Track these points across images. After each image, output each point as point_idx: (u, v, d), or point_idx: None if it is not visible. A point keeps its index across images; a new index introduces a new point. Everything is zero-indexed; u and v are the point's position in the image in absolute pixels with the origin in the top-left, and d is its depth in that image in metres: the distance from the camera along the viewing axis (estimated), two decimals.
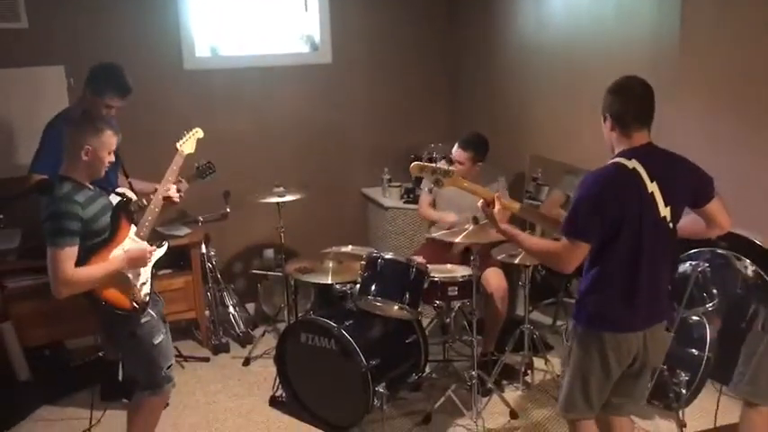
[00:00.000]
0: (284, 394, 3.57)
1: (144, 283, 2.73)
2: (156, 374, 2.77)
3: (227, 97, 4.66)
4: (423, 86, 5.20)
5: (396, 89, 5.11)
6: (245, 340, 4.40)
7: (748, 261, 2.96)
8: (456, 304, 3.69)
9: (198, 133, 3.18)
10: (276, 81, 4.77)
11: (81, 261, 2.51)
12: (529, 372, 3.82)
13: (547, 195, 4.21)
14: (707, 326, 3.22)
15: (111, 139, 2.61)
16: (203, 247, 4.36)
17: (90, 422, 3.43)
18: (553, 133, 4.31)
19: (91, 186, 2.63)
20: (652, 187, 2.26)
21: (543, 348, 3.87)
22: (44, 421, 3.58)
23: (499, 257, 3.57)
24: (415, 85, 5.17)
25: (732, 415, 3.06)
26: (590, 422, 2.51)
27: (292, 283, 3.98)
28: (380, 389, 3.16)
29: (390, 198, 4.83)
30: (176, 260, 4.17)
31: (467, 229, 3.29)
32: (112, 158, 2.65)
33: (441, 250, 3.83)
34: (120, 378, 3.42)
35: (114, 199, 2.72)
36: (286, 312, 4.20)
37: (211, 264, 4.46)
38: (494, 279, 3.72)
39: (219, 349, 4.30)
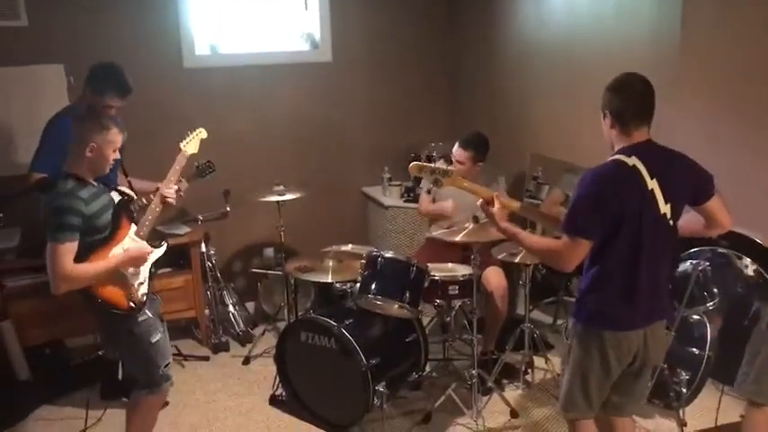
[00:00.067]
0: (284, 393, 3.57)
1: (141, 283, 2.73)
2: (154, 373, 2.77)
3: (227, 95, 4.66)
4: (423, 86, 5.20)
5: (396, 88, 5.10)
6: (244, 339, 4.40)
7: (749, 260, 2.97)
8: (456, 303, 3.69)
9: (201, 134, 3.18)
10: (276, 79, 4.77)
11: (80, 257, 2.51)
12: (529, 371, 3.82)
13: (547, 194, 4.21)
14: (707, 325, 3.23)
15: (116, 137, 2.62)
16: (203, 245, 4.36)
17: (85, 422, 3.42)
18: (553, 132, 4.31)
19: (94, 183, 2.63)
20: (652, 184, 2.26)
21: (543, 347, 3.87)
22: (44, 420, 3.58)
23: (499, 256, 3.57)
24: (415, 85, 5.17)
25: (733, 414, 3.07)
26: (589, 422, 2.51)
27: (292, 281, 3.98)
28: (380, 388, 3.15)
29: (390, 197, 4.83)
30: (176, 259, 4.17)
31: (467, 228, 3.29)
32: (117, 156, 2.66)
33: (441, 249, 3.83)
34: (120, 377, 3.42)
35: (116, 197, 2.72)
36: (286, 311, 4.20)
37: (211, 262, 4.46)
38: (494, 278, 3.72)
39: (219, 348, 4.30)
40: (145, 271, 2.76)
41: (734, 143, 3.25)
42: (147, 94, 3.81)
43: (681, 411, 3.12)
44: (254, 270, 4.82)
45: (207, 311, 4.44)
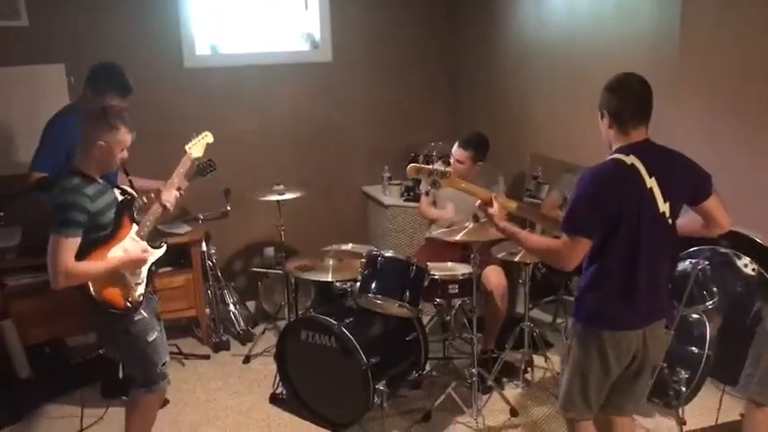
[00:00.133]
0: (284, 392, 3.58)
1: (139, 283, 2.73)
2: (152, 371, 2.78)
3: (227, 95, 4.66)
4: (423, 85, 5.21)
5: (396, 88, 5.11)
6: (245, 338, 4.41)
7: (748, 259, 2.97)
8: (456, 302, 3.70)
9: (207, 137, 3.17)
10: (276, 79, 4.77)
11: (81, 254, 2.52)
12: (529, 369, 3.83)
13: (546, 195, 4.21)
14: (707, 324, 3.24)
15: (125, 137, 2.64)
16: (204, 244, 4.36)
17: (81, 422, 3.42)
18: (553, 132, 4.32)
19: (100, 180, 2.65)
20: (651, 183, 2.26)
21: (543, 346, 3.87)
22: (44, 419, 3.58)
23: (499, 255, 3.58)
24: (415, 85, 5.17)
25: (732, 412, 3.07)
26: (588, 423, 2.52)
27: (292, 280, 3.98)
28: (380, 386, 3.16)
29: (390, 196, 4.84)
30: (177, 258, 4.17)
31: (467, 228, 3.29)
32: (125, 155, 2.68)
33: (441, 248, 3.84)
34: (121, 376, 3.42)
35: (119, 196, 2.73)
36: (286, 310, 4.21)
37: (212, 262, 4.47)
38: (493, 277, 3.73)
39: (220, 347, 4.31)
40: (144, 271, 2.77)
41: (734, 143, 3.25)
42: (147, 94, 3.82)
43: (680, 410, 3.13)
44: (254, 269, 4.82)
45: (207, 310, 4.45)
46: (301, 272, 3.73)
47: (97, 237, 2.58)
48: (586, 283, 2.38)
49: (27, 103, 4.07)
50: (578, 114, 3.98)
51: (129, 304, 2.66)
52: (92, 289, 2.58)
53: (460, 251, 3.76)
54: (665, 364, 3.03)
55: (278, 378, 3.60)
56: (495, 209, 2.55)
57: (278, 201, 3.95)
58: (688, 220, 2.44)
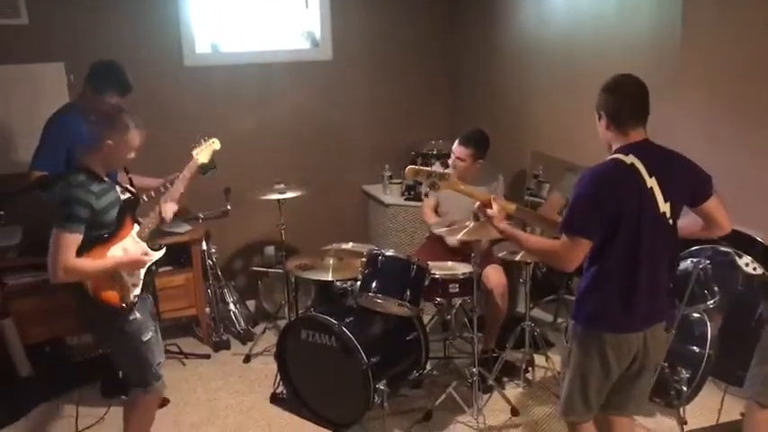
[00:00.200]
0: (285, 391, 3.58)
1: (135, 285, 2.73)
2: (147, 371, 2.78)
3: (227, 94, 4.66)
4: (423, 84, 5.20)
5: (396, 88, 5.10)
6: (245, 337, 4.41)
7: (750, 258, 2.96)
8: (457, 301, 3.70)
9: (215, 144, 3.17)
10: (277, 77, 4.77)
11: (82, 250, 2.52)
12: (530, 369, 3.82)
13: (547, 195, 4.21)
14: (708, 323, 3.23)
15: (134, 138, 2.64)
16: (204, 244, 4.36)
17: (76, 421, 3.40)
18: (554, 130, 4.31)
19: (105, 179, 2.65)
20: (651, 182, 2.25)
21: (544, 345, 3.87)
22: (45, 417, 3.58)
23: (500, 255, 3.58)
24: (415, 84, 5.16)
25: (733, 412, 3.07)
26: (588, 425, 2.51)
27: (293, 280, 3.98)
28: (381, 386, 3.16)
29: (391, 195, 4.83)
30: (177, 257, 4.17)
31: (467, 226, 3.29)
32: (133, 155, 2.68)
33: (441, 248, 3.83)
34: (121, 375, 3.42)
35: (123, 195, 2.73)
36: (286, 309, 4.20)
37: (212, 261, 4.46)
38: (494, 276, 3.73)
39: (220, 346, 4.31)
40: (141, 273, 2.76)
41: (734, 143, 3.25)
42: (147, 93, 3.81)
43: (681, 409, 3.13)
44: (254, 268, 4.82)
45: (208, 309, 4.44)
46: (302, 271, 3.73)
47: (99, 234, 2.59)
48: (587, 284, 2.37)
49: (27, 101, 4.06)
50: (579, 112, 3.96)
51: (123, 305, 2.66)
52: (89, 286, 2.58)
53: (461, 250, 3.76)
54: (666, 364, 3.03)
55: (278, 377, 3.60)
56: (494, 210, 2.55)
57: (278, 200, 3.94)
58: (688, 222, 2.43)
